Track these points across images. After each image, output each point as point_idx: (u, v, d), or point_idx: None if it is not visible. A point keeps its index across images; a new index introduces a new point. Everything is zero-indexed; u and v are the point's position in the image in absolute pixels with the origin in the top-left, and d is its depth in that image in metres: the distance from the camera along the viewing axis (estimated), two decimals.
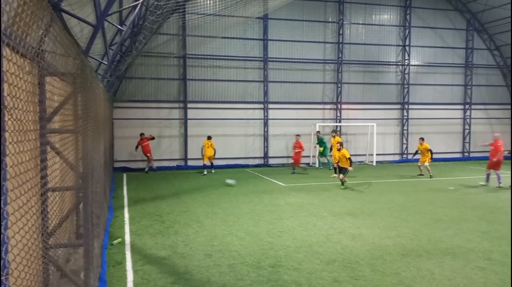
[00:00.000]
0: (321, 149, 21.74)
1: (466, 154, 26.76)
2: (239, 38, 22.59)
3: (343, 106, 24.38)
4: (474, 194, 14.66)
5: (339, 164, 16.04)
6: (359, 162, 23.55)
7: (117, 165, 20.52)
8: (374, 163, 23.22)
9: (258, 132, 23.18)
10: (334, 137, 19.80)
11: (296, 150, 20.16)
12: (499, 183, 15.77)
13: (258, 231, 9.71)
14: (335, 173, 17.46)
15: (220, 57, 22.31)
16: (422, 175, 18.74)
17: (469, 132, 26.71)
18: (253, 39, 22.88)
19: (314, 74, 24.08)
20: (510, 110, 27.70)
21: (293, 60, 23.46)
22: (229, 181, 16.20)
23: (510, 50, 23.45)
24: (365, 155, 23.89)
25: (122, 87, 21.05)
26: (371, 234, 9.41)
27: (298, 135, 20.57)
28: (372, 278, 6.85)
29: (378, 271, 7.16)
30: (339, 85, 24.27)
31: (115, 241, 8.81)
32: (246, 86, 22.97)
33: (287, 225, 10.23)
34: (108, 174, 13.29)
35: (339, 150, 16.06)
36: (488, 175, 16.31)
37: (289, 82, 23.56)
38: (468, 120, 26.77)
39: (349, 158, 15.51)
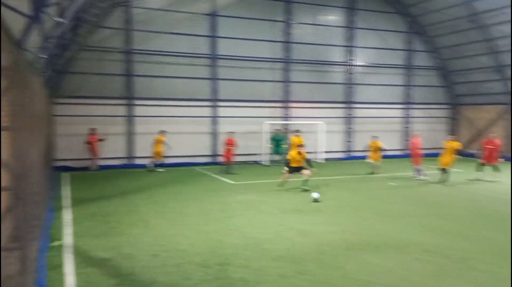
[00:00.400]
0: (272, 146, 21.95)
1: (407, 151, 28.02)
2: (188, 35, 22.26)
3: (292, 105, 24.75)
4: (413, 189, 15.40)
5: (297, 164, 15.06)
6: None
7: (59, 164, 19.57)
8: (324, 161, 23.77)
9: (207, 130, 23.00)
10: (297, 136, 19.98)
11: (228, 147, 19.17)
12: (418, 176, 17.23)
13: (206, 229, 9.63)
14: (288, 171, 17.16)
15: (168, 53, 21.87)
16: (373, 173, 19.07)
17: (409, 130, 28.00)
18: (202, 35, 22.64)
19: (264, 73, 24.24)
20: (447, 110, 29.40)
21: (243, 58, 23.46)
22: (315, 195, 12.95)
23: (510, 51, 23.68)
24: (313, 152, 24.37)
25: (64, 82, 20.08)
26: (318, 230, 9.62)
27: (231, 132, 19.97)
28: (318, 272, 7.00)
29: (324, 265, 7.33)
30: (288, 84, 24.60)
31: (55, 243, 8.40)
32: (195, 83, 22.68)
33: (236, 223, 10.23)
34: (48, 173, 12.63)
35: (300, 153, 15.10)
36: (417, 171, 17.64)
37: (238, 80, 23.55)
38: (408, 119, 28.08)
39: (307, 159, 15.23)
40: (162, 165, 20.12)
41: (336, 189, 15.27)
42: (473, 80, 27.27)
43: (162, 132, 20.17)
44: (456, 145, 16.79)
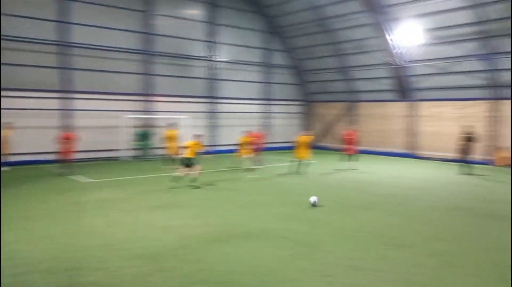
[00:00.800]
0: (138, 142, 21.08)
1: (268, 144, 29.59)
2: (30, 18, 19.86)
3: (154, 98, 24.07)
4: (273, 180, 16.29)
5: (186, 155, 14.51)
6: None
7: None
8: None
9: (59, 124, 20.96)
10: (171, 129, 19.24)
11: (64, 143, 16.82)
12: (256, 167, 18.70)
13: (54, 233, 8.74)
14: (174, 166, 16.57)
15: (9, 38, 19.28)
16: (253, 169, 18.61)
17: (270, 125, 29.66)
18: (49, 20, 20.47)
19: (123, 64, 23.06)
20: (302, 106, 31.86)
21: (100, 47, 21.96)
22: (314, 199, 11.74)
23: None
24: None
25: None
26: (180, 225, 9.51)
27: (69, 127, 18.65)
28: (177, 268, 6.89)
29: (183, 260, 7.25)
30: (149, 77, 23.84)
31: None
32: (41, 72, 20.44)
33: (91, 224, 9.52)
34: None
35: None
36: (257, 161, 19.44)
37: (95, 70, 21.98)
38: (268, 114, 29.67)
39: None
40: (7, 164, 17.71)
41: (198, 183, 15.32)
42: (323, 79, 30.04)
43: (8, 125, 17.71)
44: (308, 139, 18.23)
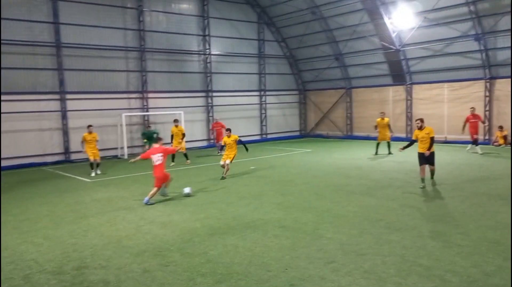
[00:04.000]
0: (146, 140, 21.01)
1: (264, 135, 29.68)
2: (24, 20, 19.81)
3: (150, 95, 24.05)
4: (270, 171, 16.36)
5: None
6: None
7: None
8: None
9: (56, 126, 20.96)
10: (176, 126, 19.26)
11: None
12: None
13: (58, 234, 8.81)
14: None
15: (4, 42, 19.18)
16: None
17: (265, 116, 29.67)
18: (42, 21, 20.38)
19: (117, 62, 22.99)
20: (297, 95, 31.86)
21: (92, 47, 21.86)
22: (186, 190, 12.17)
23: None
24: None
25: None
26: (181, 220, 9.58)
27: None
28: (182, 261, 6.97)
29: (187, 254, 7.33)
30: (144, 74, 23.79)
31: None
32: (37, 74, 20.40)
33: (93, 223, 9.58)
34: None
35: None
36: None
37: (88, 70, 21.90)
38: (264, 105, 29.67)
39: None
40: None
41: (198, 176, 15.39)
42: (317, 67, 29.99)
43: None
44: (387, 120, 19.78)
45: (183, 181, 14.16)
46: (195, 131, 25.87)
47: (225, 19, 27.22)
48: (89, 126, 16.78)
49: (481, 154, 18.63)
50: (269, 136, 29.75)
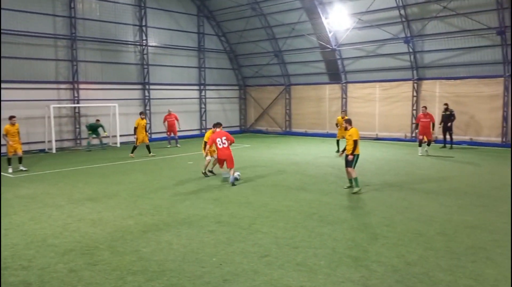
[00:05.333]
0: (90, 132, 20.87)
1: (204, 130, 29.36)
2: None
3: (81, 86, 22.88)
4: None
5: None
6: (103, 144, 22.71)
7: None
8: (118, 145, 22.85)
9: None
10: (142, 119, 18.97)
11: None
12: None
13: None
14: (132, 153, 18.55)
15: None
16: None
17: (205, 111, 29.40)
18: None
19: (45, 50, 21.61)
20: (237, 91, 31.87)
21: (18, 33, 20.37)
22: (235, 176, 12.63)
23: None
24: (108, 136, 23.19)
25: None
26: (112, 217, 9.21)
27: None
28: (111, 260, 6.70)
29: (118, 252, 7.06)
30: (75, 63, 22.58)
31: None
32: None
33: (15, 221, 8.94)
34: None
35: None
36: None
37: (14, 57, 20.40)
38: (203, 99, 29.37)
39: None
40: None
41: (132, 172, 14.92)
42: (257, 63, 30.17)
43: None
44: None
45: (128, 175, 13.65)
46: (130, 125, 24.94)
47: (164, 10, 26.55)
48: (12, 117, 15.33)
49: (426, 155, 17.69)
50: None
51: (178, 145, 22.43)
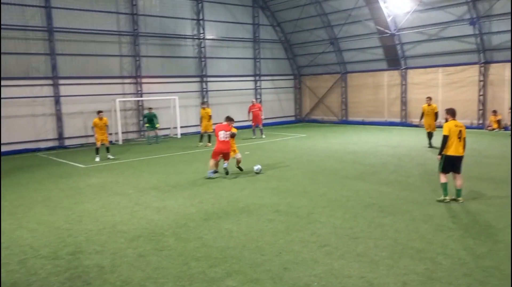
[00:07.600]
0: (148, 124, 21.20)
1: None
2: (16, 4, 19.47)
3: (143, 80, 23.87)
4: (265, 156, 16.38)
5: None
6: (164, 135, 23.62)
7: None
8: (179, 136, 23.66)
9: (49, 111, 20.81)
10: (204, 108, 19.85)
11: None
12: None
13: (53, 219, 8.82)
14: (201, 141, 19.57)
15: None
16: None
17: (261, 101, 29.55)
18: (33, 6, 20.04)
19: (110, 47, 22.74)
20: (292, 80, 31.73)
21: (84, 31, 21.59)
22: (257, 168, 12.96)
23: None
24: (169, 128, 24.07)
25: None
26: (176, 205, 9.61)
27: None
28: (177, 246, 7.02)
29: (182, 238, 7.38)
30: (138, 58, 23.56)
31: None
32: (29, 59, 20.16)
33: (88, 208, 9.60)
34: None
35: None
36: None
37: (81, 55, 21.67)
38: (259, 90, 29.54)
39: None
40: None
41: (193, 162, 15.39)
42: (312, 52, 29.81)
43: None
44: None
45: (189, 165, 14.15)
46: (189, 118, 25.74)
47: (220, 3, 26.91)
48: (99, 112, 16.60)
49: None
50: (264, 121, 29.62)
51: (263, 136, 22.25)
